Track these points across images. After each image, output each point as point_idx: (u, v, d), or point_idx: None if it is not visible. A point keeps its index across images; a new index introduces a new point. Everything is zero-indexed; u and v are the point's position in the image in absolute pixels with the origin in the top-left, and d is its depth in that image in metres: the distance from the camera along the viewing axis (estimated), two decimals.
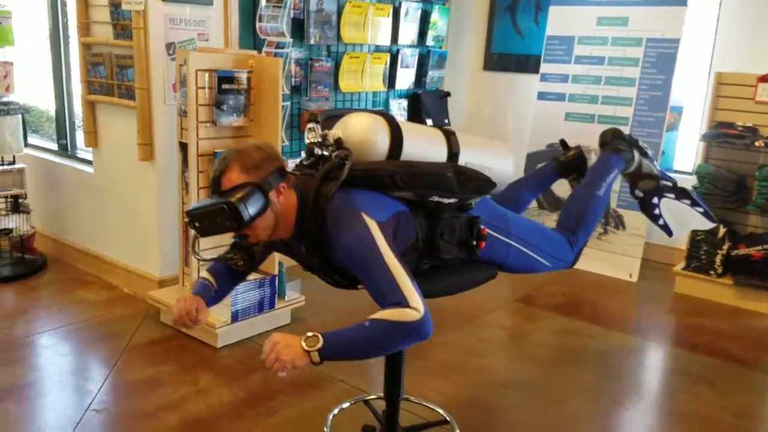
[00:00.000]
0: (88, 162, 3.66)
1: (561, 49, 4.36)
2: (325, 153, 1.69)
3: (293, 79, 3.71)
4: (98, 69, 3.34)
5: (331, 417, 2.39)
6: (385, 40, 4.22)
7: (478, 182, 1.79)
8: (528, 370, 2.90)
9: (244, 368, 2.76)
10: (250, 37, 3.50)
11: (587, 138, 4.18)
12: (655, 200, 2.49)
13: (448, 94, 4.83)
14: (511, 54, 4.92)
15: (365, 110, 2.07)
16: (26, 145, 3.66)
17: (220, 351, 2.90)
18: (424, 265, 1.77)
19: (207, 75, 2.76)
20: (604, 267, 4.19)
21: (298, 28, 3.72)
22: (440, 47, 4.76)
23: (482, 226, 1.84)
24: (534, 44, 4.67)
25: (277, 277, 3.04)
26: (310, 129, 1.69)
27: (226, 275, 1.85)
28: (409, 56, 4.45)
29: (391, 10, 4.20)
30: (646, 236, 4.11)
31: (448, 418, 2.39)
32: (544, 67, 4.43)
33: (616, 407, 2.63)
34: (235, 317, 2.88)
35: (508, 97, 4.91)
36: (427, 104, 4.63)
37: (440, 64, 4.74)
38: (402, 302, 1.50)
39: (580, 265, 4.22)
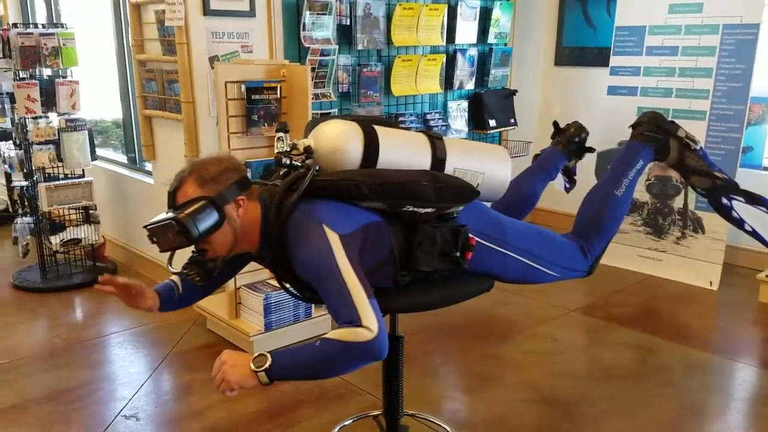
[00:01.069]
0: (150, 173, 3.82)
1: (631, 41, 4.07)
2: (295, 163, 1.63)
3: (340, 86, 3.69)
4: (150, 84, 3.47)
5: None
6: (439, 40, 4.11)
7: (456, 190, 1.67)
8: (570, 387, 2.71)
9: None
10: (296, 47, 3.51)
11: None
12: (725, 201, 2.19)
13: (513, 92, 4.65)
14: (583, 47, 4.66)
15: (347, 116, 1.99)
16: (94, 158, 3.86)
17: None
18: (403, 278, 1.67)
19: (236, 86, 2.78)
20: (681, 274, 3.87)
21: (346, 34, 3.70)
22: (504, 44, 4.59)
23: (471, 236, 1.72)
24: (606, 36, 4.39)
25: None
26: (278, 138, 1.65)
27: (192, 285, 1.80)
28: (468, 56, 4.31)
29: (445, 10, 4.09)
30: (728, 238, 3.75)
31: None
32: (614, 60, 4.15)
33: None
34: (268, 326, 2.89)
35: (580, 93, 4.65)
36: (489, 104, 4.48)
37: (504, 62, 4.57)
38: (355, 321, 1.42)
39: (656, 272, 3.99)
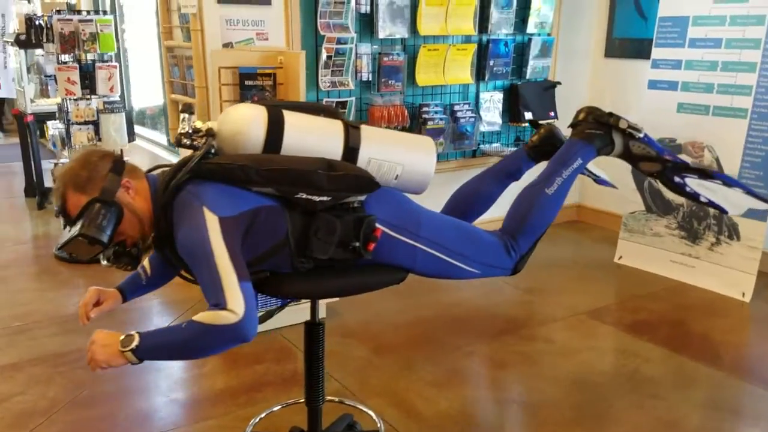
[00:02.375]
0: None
1: (674, 32, 3.82)
2: (196, 144, 1.67)
3: (360, 74, 3.71)
4: (174, 70, 3.63)
5: (256, 420, 2.37)
6: (471, 30, 4.03)
7: (353, 180, 1.65)
8: (543, 390, 2.61)
9: (250, 360, 2.83)
10: (312, 35, 3.55)
11: (700, 133, 3.65)
12: (677, 179, 2.09)
13: (554, 84, 4.48)
14: (633, 39, 4.42)
15: (271, 101, 2.00)
16: (132, 139, 4.08)
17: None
18: (302, 264, 1.67)
19: (230, 72, 2.86)
20: (713, 282, 3.62)
21: (368, 23, 3.70)
22: (548, 34, 4.43)
23: (378, 226, 1.70)
24: None
25: None
26: (182, 120, 1.69)
27: (162, 263, 1.89)
28: (503, 46, 4.20)
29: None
30: (766, 245, 3.47)
31: (378, 425, 2.29)
32: (656, 53, 3.92)
33: None
34: (261, 304, 2.96)
35: (631, 86, 4.41)
36: (526, 96, 4.35)
37: (545, 53, 4.41)
38: (221, 304, 1.44)
39: (688, 279, 3.74)
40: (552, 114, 4.47)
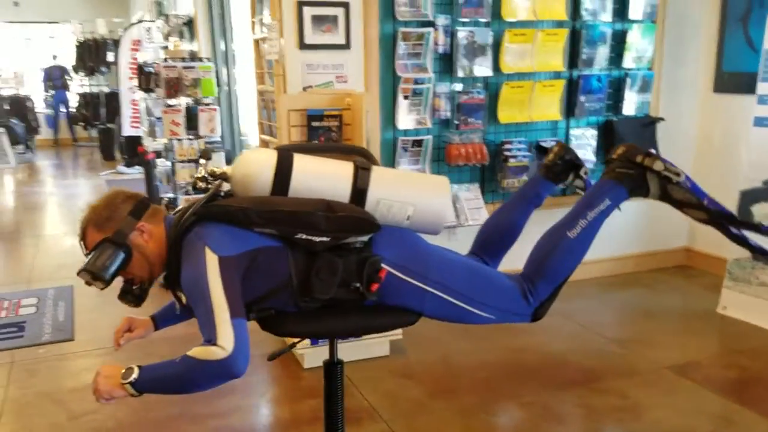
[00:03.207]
0: None
1: None
2: (209, 187, 1.76)
3: (438, 113, 3.72)
4: (263, 112, 3.84)
5: None
6: (560, 66, 3.93)
7: (351, 221, 1.66)
8: None
9: (304, 393, 2.88)
10: (391, 76, 3.63)
11: None
12: (735, 230, 1.90)
13: (655, 120, 4.25)
14: (744, 72, 4.10)
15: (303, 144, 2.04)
16: None
17: (304, 372, 3.07)
18: (306, 303, 1.70)
19: (299, 114, 2.99)
20: None
21: (447, 63, 3.72)
22: (648, 68, 4.21)
23: (384, 267, 1.70)
24: None
25: None
26: (200, 164, 1.79)
27: None
28: (596, 81, 4.05)
29: (567, 35, 3.90)
30: None
31: None
32: (762, 87, 3.61)
33: None
34: (314, 341, 3.03)
35: (740, 123, 4.09)
36: (622, 133, 4.15)
37: (644, 88, 4.20)
38: (212, 339, 1.50)
39: None
40: (653, 151, 4.21)
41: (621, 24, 4.07)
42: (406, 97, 3.64)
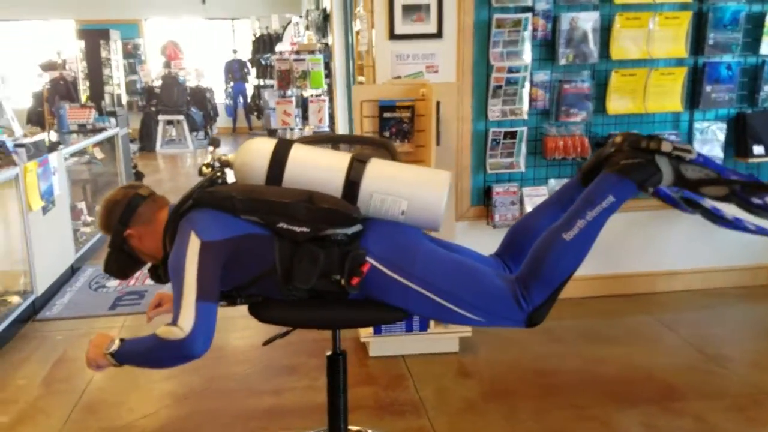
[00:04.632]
0: None
1: None
2: (217, 174, 1.83)
3: (535, 103, 3.54)
4: None
5: None
6: (682, 52, 3.56)
7: (328, 213, 1.65)
8: None
9: (362, 380, 2.91)
10: (485, 64, 3.51)
11: None
12: (757, 200, 1.66)
13: None
14: None
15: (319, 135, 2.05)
16: None
17: (368, 360, 3.10)
18: (290, 293, 1.72)
19: (371, 105, 3.01)
20: None
21: (548, 50, 3.53)
22: None
23: (367, 261, 1.68)
24: None
25: None
26: (209, 152, 1.88)
27: None
28: (725, 69, 3.61)
29: (690, 18, 3.52)
30: None
31: None
32: None
33: None
34: (377, 330, 3.04)
35: None
36: (757, 127, 3.68)
37: None
38: (174, 320, 1.58)
39: None
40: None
41: (761, 5, 3.58)
42: (499, 87, 3.50)
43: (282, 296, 1.75)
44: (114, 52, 6.39)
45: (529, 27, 3.44)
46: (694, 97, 3.66)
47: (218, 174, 1.82)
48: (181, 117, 10.47)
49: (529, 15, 3.43)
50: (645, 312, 3.58)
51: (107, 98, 6.06)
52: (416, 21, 3.46)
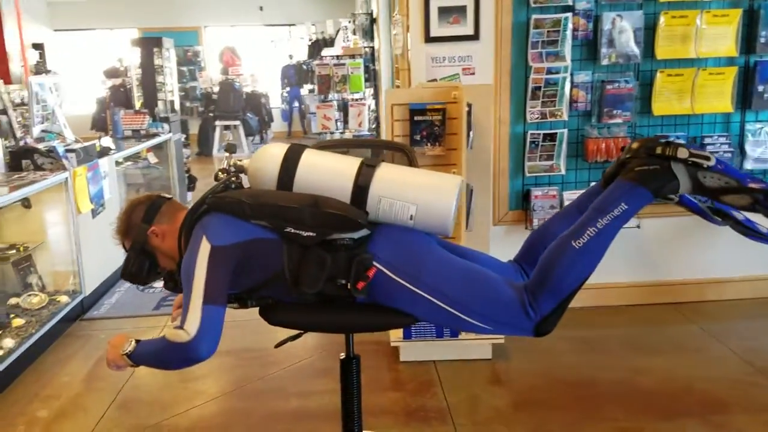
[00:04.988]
0: None
1: None
2: (232, 179, 1.85)
3: (576, 105, 3.45)
4: None
5: None
6: (732, 51, 3.41)
7: (333, 218, 1.63)
8: None
9: (389, 385, 2.89)
10: (523, 66, 3.44)
11: None
12: None
13: None
14: None
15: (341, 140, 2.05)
16: None
17: (398, 365, 3.07)
18: (302, 295, 1.70)
19: (402, 108, 2.99)
20: None
21: (589, 50, 3.44)
22: None
23: (374, 265, 1.66)
24: None
25: None
26: (226, 157, 1.89)
27: None
28: None
29: (740, 16, 3.37)
30: None
31: None
32: None
33: None
34: (407, 335, 3.02)
35: None
36: None
37: None
38: (182, 323, 1.59)
39: None
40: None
41: None
42: (537, 88, 3.43)
43: (291, 299, 1.76)
44: (167, 60, 6.58)
45: (569, 27, 3.36)
46: (745, 98, 3.50)
47: (233, 179, 1.83)
48: (237, 122, 10.69)
49: (569, 15, 3.35)
50: (692, 321, 3.43)
51: (160, 105, 6.24)
52: (452, 23, 3.42)
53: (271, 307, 1.78)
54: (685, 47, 3.41)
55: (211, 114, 10.96)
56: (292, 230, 1.68)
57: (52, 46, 10.51)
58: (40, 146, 3.87)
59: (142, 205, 1.86)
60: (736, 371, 2.91)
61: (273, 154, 1.78)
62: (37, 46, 8.08)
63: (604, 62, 3.41)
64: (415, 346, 3.07)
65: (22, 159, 3.83)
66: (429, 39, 3.42)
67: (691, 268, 3.67)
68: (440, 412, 2.66)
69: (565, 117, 3.46)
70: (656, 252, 3.60)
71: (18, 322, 3.37)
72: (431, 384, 2.89)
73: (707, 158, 1.57)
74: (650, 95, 3.46)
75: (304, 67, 4.42)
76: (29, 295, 3.65)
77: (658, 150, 1.61)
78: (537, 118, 3.47)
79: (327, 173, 1.75)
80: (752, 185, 1.55)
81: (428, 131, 2.98)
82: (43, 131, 3.96)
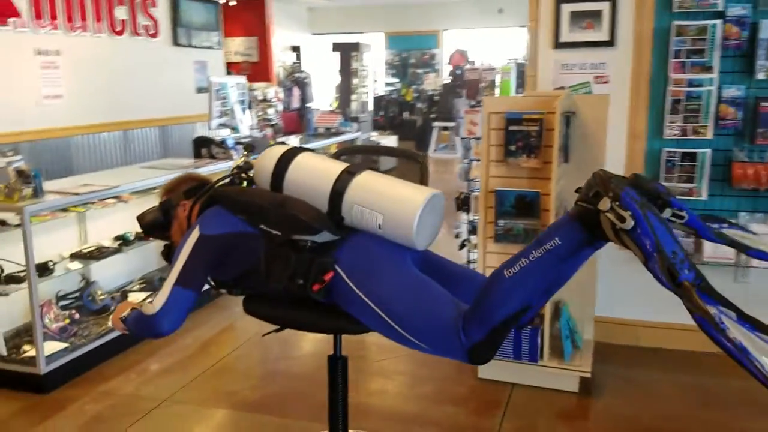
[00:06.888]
0: None
1: None
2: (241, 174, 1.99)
3: (723, 122, 3.01)
4: None
5: None
6: None
7: (291, 220, 1.69)
8: None
9: (450, 398, 2.82)
10: (663, 77, 3.09)
11: None
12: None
13: None
14: None
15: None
16: None
17: (473, 381, 2.97)
18: (271, 289, 1.80)
19: (499, 117, 2.89)
20: None
21: (744, 61, 2.97)
22: None
23: (333, 270, 1.69)
24: None
25: (540, 330, 2.81)
26: (243, 155, 2.04)
27: None
28: None
29: None
30: None
31: None
32: None
33: None
34: None
35: None
36: None
37: None
38: (153, 298, 1.77)
39: None
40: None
41: None
42: (677, 101, 3.06)
43: (269, 293, 1.85)
44: (362, 63, 6.96)
45: (718, 35, 2.94)
46: None
47: (242, 175, 1.98)
48: (453, 124, 10.90)
49: (719, 22, 2.93)
50: None
51: (353, 105, 6.65)
52: (586, 28, 3.21)
53: (249, 297, 1.91)
54: None
55: (432, 115, 11.31)
56: (265, 227, 1.78)
57: (307, 48, 11.77)
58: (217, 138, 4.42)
59: (194, 182, 2.06)
60: None
61: (272, 154, 1.89)
62: (295, 49, 9.05)
63: (760, 76, 2.94)
64: (495, 365, 2.95)
65: (201, 147, 4.41)
66: (558, 45, 3.25)
67: None
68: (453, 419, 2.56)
69: (710, 135, 3.04)
70: None
71: None
72: (496, 405, 2.77)
73: (622, 220, 1.31)
74: None
75: (457, 72, 4.37)
76: None
77: (591, 192, 1.39)
78: (677, 134, 3.09)
79: (312, 177, 1.82)
80: (651, 266, 1.28)
81: (524, 142, 2.85)
82: (220, 125, 4.50)
